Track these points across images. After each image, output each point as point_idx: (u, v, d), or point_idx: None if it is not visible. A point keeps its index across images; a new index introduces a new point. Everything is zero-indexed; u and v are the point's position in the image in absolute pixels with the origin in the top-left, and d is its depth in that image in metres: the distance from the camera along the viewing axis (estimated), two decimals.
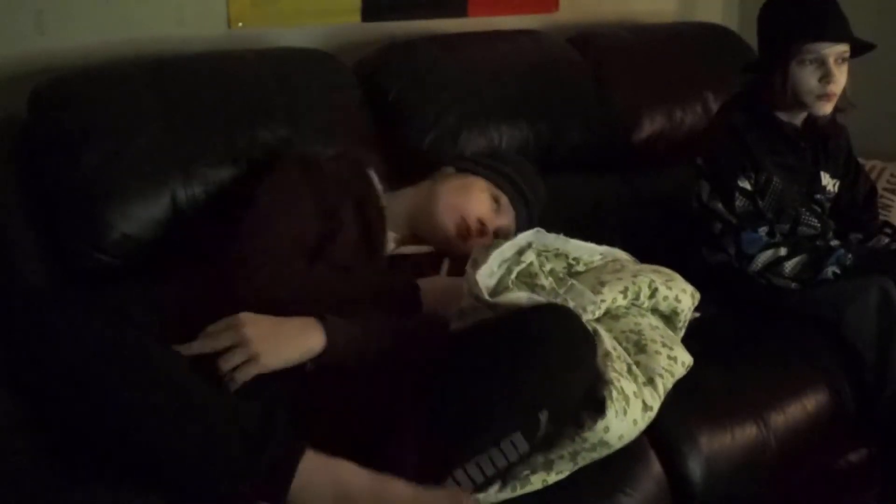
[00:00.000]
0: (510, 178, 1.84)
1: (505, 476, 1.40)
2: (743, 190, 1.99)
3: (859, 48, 1.98)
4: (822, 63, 1.94)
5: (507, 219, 1.80)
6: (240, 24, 2.18)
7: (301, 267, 1.55)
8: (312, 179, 1.68)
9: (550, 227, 1.68)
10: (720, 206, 2.01)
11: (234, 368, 1.35)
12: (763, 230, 1.99)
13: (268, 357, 1.36)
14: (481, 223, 1.74)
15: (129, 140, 1.75)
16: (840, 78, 1.96)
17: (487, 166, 1.86)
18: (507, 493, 1.41)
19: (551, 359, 1.33)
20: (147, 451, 1.22)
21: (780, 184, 2.04)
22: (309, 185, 1.67)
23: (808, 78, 1.96)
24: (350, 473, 1.27)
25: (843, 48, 1.94)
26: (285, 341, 1.39)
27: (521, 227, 1.79)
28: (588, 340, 1.40)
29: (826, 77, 1.94)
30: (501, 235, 1.76)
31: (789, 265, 1.97)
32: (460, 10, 2.48)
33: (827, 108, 2.00)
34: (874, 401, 1.88)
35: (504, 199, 1.80)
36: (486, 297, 1.44)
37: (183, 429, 1.22)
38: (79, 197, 1.72)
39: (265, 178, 1.66)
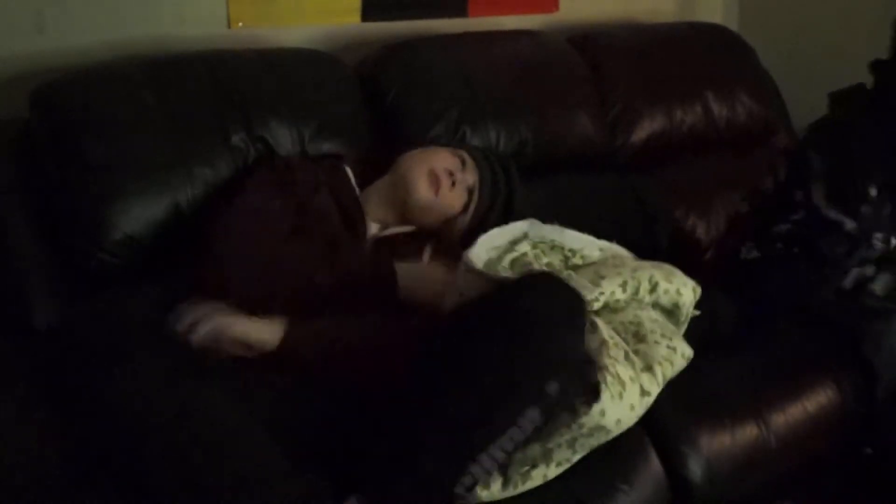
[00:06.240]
0: (470, 145, 1.93)
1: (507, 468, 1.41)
2: (869, 196, 1.91)
3: None
4: None
5: (474, 176, 1.83)
6: (240, 24, 2.18)
7: (277, 243, 1.61)
8: (281, 178, 1.73)
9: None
10: (835, 213, 1.92)
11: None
12: (879, 237, 1.90)
13: (228, 318, 1.49)
14: (450, 173, 1.78)
15: (129, 140, 1.75)
16: None
17: (448, 141, 1.96)
18: (510, 491, 1.41)
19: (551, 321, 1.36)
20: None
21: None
22: (279, 183, 1.72)
23: None
24: None
25: None
26: (245, 318, 1.51)
27: (486, 190, 1.83)
28: (577, 297, 1.42)
29: None
30: (472, 194, 1.81)
31: (879, 286, 1.90)
32: (460, 10, 2.48)
33: None
34: (874, 401, 1.88)
35: (468, 159, 1.85)
36: (479, 267, 1.49)
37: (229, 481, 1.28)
38: (80, 197, 1.72)
39: (238, 187, 1.72)
